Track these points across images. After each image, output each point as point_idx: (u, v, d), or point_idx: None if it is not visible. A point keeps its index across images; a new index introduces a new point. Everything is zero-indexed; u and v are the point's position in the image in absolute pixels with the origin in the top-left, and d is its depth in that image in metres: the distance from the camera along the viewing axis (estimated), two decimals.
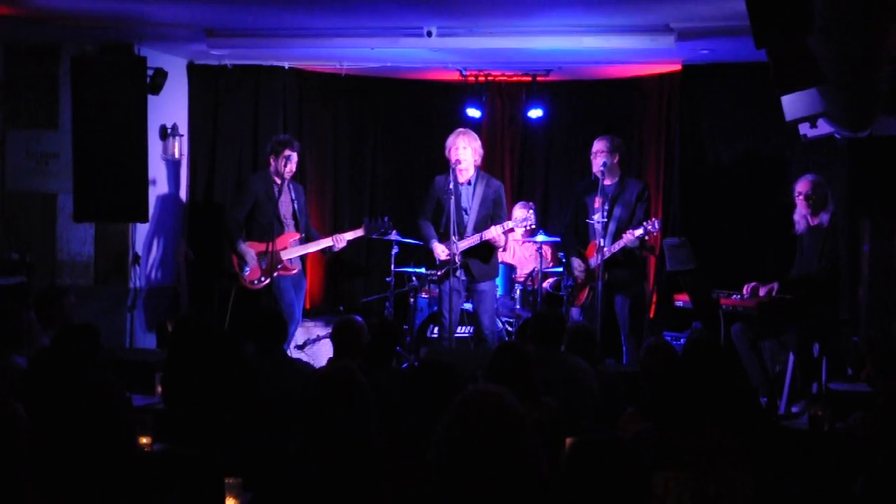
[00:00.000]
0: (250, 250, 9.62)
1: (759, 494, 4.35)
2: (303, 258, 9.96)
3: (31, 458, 3.58)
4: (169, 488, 4.51)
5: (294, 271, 9.76)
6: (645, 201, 9.37)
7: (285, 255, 9.66)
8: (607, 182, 9.29)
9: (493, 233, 8.97)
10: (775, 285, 8.49)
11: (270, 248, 9.43)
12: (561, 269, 10.26)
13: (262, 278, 9.59)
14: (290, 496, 3.69)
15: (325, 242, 9.79)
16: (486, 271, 9.26)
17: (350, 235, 9.88)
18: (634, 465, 3.01)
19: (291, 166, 9.70)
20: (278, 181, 9.69)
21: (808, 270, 8.61)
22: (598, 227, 9.11)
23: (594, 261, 9.17)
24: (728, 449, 4.32)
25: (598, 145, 9.33)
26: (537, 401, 5.42)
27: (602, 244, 9.00)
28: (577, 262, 9.40)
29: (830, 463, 5.60)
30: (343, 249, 9.91)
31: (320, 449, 3.73)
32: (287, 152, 9.61)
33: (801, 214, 8.71)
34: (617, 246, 9.13)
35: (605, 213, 9.16)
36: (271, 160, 9.72)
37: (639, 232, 9.07)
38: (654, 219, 9.23)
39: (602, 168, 9.16)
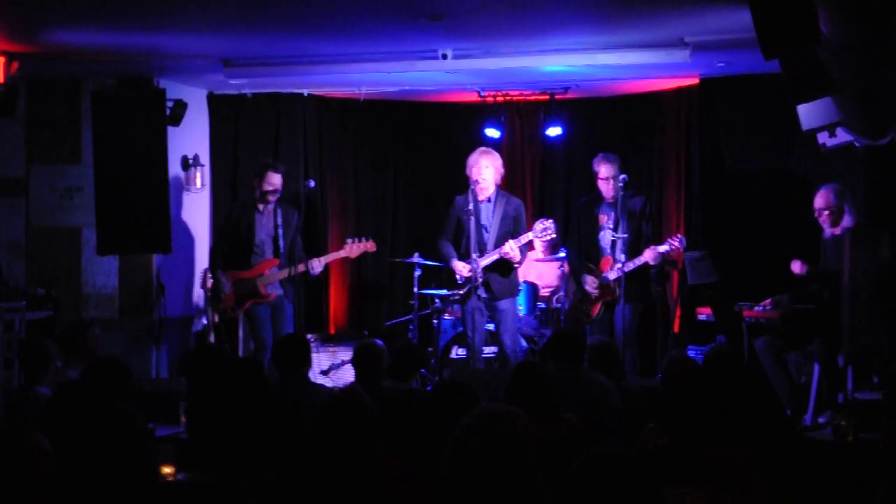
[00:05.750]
0: (226, 280, 9.62)
1: None
2: (296, 282, 9.84)
3: (54, 489, 3.62)
4: None
5: (270, 298, 9.65)
6: (649, 218, 9.42)
7: (261, 283, 9.61)
8: (609, 200, 9.36)
9: (509, 247, 8.97)
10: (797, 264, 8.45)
11: (233, 278, 9.54)
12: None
13: (235, 307, 9.60)
14: None
15: (300, 268, 9.58)
16: (507, 289, 9.23)
17: (330, 258, 9.87)
18: (643, 479, 2.97)
19: (268, 187, 9.60)
20: (261, 206, 9.68)
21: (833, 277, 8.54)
22: (609, 242, 9.17)
23: (611, 275, 9.19)
24: (744, 463, 4.30)
25: (609, 170, 9.35)
26: (558, 419, 5.42)
27: (618, 259, 9.04)
28: (589, 279, 9.40)
29: (854, 472, 5.58)
30: (320, 273, 9.77)
31: (327, 471, 3.75)
32: (267, 174, 9.59)
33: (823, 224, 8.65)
34: (639, 261, 9.13)
35: (611, 231, 9.21)
36: (254, 184, 9.74)
37: (663, 248, 9.08)
38: (679, 235, 9.22)
39: (614, 191, 9.22)
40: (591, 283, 9.39)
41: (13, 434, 3.60)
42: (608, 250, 9.32)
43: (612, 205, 9.37)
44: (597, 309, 9.41)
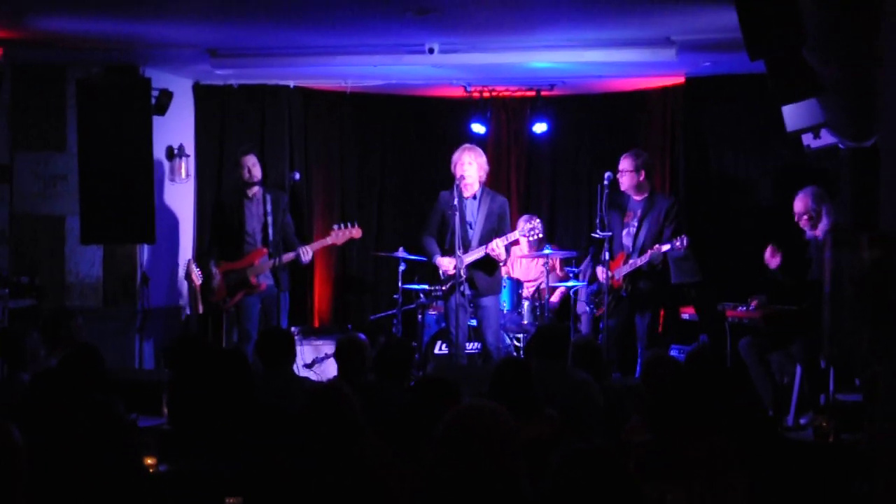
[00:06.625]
0: (216, 272, 9.52)
1: None
2: (286, 272, 9.78)
3: (31, 478, 3.60)
4: None
5: (261, 288, 9.59)
6: (674, 219, 9.33)
7: (251, 273, 9.55)
8: (637, 198, 9.38)
9: (496, 245, 8.98)
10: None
11: (223, 269, 9.50)
12: (569, 282, 10.33)
13: (228, 299, 9.56)
14: None
15: (289, 256, 9.53)
16: (490, 286, 9.25)
17: (317, 245, 9.82)
18: (621, 474, 2.96)
19: (248, 173, 9.60)
20: (249, 193, 9.65)
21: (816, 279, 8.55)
22: (628, 241, 9.19)
23: (618, 272, 9.22)
24: (725, 461, 4.32)
25: (623, 164, 9.38)
26: (540, 415, 5.42)
27: (630, 258, 9.11)
28: (601, 269, 9.40)
29: (835, 473, 5.60)
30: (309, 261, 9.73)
31: (309, 464, 3.76)
32: (241, 160, 9.59)
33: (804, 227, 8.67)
34: (643, 259, 9.16)
35: (634, 229, 9.23)
36: (236, 175, 9.74)
37: (666, 248, 9.09)
38: (683, 236, 9.16)
39: (630, 187, 9.25)
40: (602, 273, 9.37)
41: None
42: (629, 248, 9.34)
43: (638, 203, 9.39)
44: (601, 311, 9.43)
